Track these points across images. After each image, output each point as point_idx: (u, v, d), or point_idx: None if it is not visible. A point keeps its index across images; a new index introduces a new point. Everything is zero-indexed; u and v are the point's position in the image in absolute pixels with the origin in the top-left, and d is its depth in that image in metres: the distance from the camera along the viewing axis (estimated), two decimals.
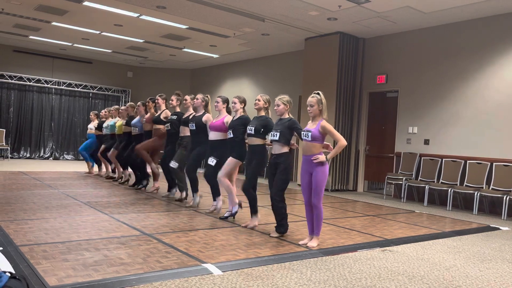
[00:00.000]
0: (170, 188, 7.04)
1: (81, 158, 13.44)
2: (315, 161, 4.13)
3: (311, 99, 4.24)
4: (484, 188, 7.28)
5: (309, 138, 4.18)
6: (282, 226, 4.59)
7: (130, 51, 12.72)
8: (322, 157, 4.13)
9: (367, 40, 9.57)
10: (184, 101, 6.41)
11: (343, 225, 5.54)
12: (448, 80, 8.11)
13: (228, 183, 5.22)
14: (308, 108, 4.25)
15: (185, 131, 6.26)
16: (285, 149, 4.49)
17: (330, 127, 4.15)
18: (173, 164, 6.24)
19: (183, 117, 6.35)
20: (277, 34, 9.76)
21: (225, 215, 5.40)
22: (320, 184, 4.17)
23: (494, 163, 7.29)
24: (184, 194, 6.54)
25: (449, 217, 6.74)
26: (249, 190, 4.88)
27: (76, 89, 14.11)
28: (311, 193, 4.25)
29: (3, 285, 2.37)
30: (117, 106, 9.35)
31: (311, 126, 4.23)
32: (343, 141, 4.09)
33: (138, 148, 7.13)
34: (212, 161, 5.45)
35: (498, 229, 5.92)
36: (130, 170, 8.30)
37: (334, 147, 4.17)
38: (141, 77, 15.24)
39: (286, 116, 4.57)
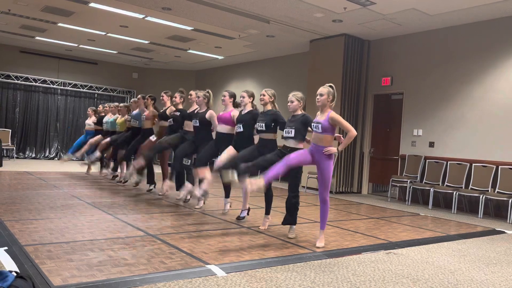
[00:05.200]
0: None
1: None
2: (326, 153, 4.09)
3: (323, 88, 4.20)
4: (489, 191, 7.23)
5: (320, 130, 4.12)
6: (295, 220, 4.65)
7: (135, 52, 12.76)
8: (333, 149, 4.09)
9: (372, 42, 9.56)
10: (189, 96, 6.40)
11: (347, 227, 5.52)
12: (454, 82, 8.08)
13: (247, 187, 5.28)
14: (317, 97, 4.20)
15: (190, 127, 6.22)
16: (300, 146, 4.46)
17: (339, 117, 4.10)
18: (186, 161, 6.28)
19: (188, 112, 6.31)
20: (282, 36, 9.76)
21: (241, 215, 5.44)
22: (328, 177, 4.17)
23: (499, 166, 7.25)
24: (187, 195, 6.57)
25: (454, 220, 6.70)
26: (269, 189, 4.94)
27: (82, 90, 14.17)
28: (289, 166, 4.11)
29: (10, 284, 2.38)
30: (116, 103, 9.27)
31: (321, 118, 4.17)
32: (353, 132, 4.03)
33: (161, 161, 7.30)
34: None
35: (504, 232, 5.89)
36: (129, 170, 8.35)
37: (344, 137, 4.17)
38: (146, 78, 15.29)
39: (299, 112, 4.52)
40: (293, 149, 4.40)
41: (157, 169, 7.73)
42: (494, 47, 7.55)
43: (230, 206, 5.83)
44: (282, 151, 4.47)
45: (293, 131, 4.40)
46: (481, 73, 7.71)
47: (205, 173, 5.11)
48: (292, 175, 4.54)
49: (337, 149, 4.10)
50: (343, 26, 8.63)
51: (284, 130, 4.51)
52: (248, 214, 5.48)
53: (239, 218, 5.41)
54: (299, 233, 4.90)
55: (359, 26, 8.54)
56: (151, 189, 7.51)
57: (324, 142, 4.14)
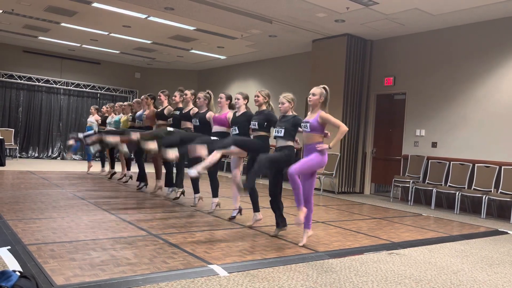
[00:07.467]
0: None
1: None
2: (319, 148, 4.11)
3: (316, 89, 4.26)
4: (492, 191, 7.22)
5: (308, 129, 4.20)
6: (280, 221, 4.66)
7: (138, 52, 12.78)
8: (325, 145, 4.12)
9: (374, 42, 9.54)
10: (184, 96, 6.43)
11: (350, 227, 5.52)
12: (456, 82, 8.06)
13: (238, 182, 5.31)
14: (309, 97, 4.26)
15: (186, 125, 6.25)
16: (290, 143, 4.50)
17: (328, 116, 4.13)
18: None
19: (184, 112, 6.33)
20: (285, 36, 9.76)
21: (233, 215, 5.44)
22: (313, 164, 4.14)
23: (502, 167, 7.23)
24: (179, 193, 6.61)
25: (457, 220, 6.69)
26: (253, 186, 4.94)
27: (84, 89, 14.21)
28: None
29: (13, 284, 2.39)
30: (120, 103, 9.33)
31: (310, 117, 4.24)
32: (344, 127, 4.06)
33: (154, 159, 7.29)
34: None
35: (507, 233, 5.87)
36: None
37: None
38: (149, 78, 15.31)
39: (290, 113, 4.58)
40: (283, 147, 4.45)
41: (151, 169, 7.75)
42: (497, 47, 7.53)
43: (218, 206, 5.87)
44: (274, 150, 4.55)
45: (282, 130, 4.46)
46: (484, 73, 7.69)
47: (202, 150, 4.80)
48: (271, 177, 4.59)
49: (329, 146, 4.10)
50: (346, 26, 8.62)
51: (275, 129, 4.58)
52: (240, 213, 5.47)
53: (231, 219, 5.40)
54: (301, 233, 4.89)
55: (362, 26, 8.53)
56: (141, 187, 7.59)
57: (312, 140, 4.20)
